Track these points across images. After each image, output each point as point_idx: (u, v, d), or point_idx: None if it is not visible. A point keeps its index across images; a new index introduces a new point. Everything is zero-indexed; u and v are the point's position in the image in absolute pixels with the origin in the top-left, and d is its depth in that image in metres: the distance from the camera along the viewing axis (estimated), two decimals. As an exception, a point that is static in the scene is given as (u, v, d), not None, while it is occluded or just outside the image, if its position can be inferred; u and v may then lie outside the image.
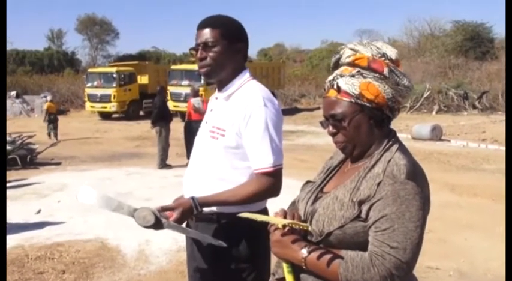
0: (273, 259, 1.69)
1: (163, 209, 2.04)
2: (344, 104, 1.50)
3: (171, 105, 16.73)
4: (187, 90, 17.03)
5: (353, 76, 1.50)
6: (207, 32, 2.08)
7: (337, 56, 1.59)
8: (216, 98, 2.24)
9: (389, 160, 1.46)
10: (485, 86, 28.36)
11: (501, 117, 20.18)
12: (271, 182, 2.05)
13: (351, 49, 1.55)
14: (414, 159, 1.49)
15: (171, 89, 22.67)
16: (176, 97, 22.15)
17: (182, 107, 18.55)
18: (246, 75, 2.17)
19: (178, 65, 26.59)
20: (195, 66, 16.96)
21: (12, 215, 6.66)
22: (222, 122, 2.12)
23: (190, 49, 2.17)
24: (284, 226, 1.51)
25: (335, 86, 1.52)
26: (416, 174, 1.43)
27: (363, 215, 1.41)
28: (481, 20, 41.89)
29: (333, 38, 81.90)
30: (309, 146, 14.09)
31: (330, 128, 1.55)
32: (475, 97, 26.44)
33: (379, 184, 1.41)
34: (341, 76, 1.52)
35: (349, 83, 1.49)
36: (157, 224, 1.99)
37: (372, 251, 1.38)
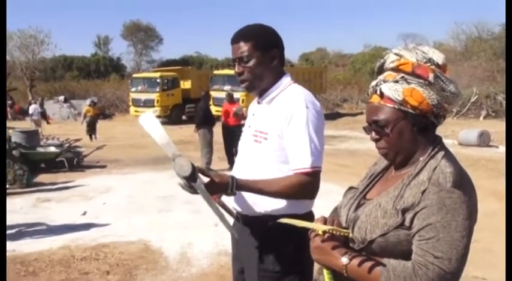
0: (316, 265, 1.68)
1: (201, 171, 2.00)
2: (387, 110, 1.48)
3: (213, 109, 16.91)
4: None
5: (397, 82, 1.47)
6: (240, 47, 2.10)
7: (382, 60, 1.56)
8: (258, 103, 2.25)
9: (435, 168, 1.42)
10: (536, 90, 27.38)
11: (553, 123, 19.41)
12: (308, 182, 2.02)
13: (396, 54, 1.52)
14: (461, 167, 1.45)
15: (213, 93, 22.89)
16: (218, 102, 22.31)
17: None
18: (287, 79, 2.18)
19: (220, 70, 26.81)
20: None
21: (59, 217, 6.88)
22: (264, 125, 2.13)
23: (229, 65, 2.20)
24: (324, 232, 1.49)
25: (378, 92, 1.50)
26: (463, 182, 1.39)
27: (407, 223, 1.38)
28: (531, 22, 40.58)
29: (376, 42, 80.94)
30: (351, 152, 13.92)
31: (373, 134, 1.53)
32: (525, 102, 25.57)
33: (423, 192, 1.37)
34: (384, 81, 1.50)
35: (393, 89, 1.47)
36: (191, 178, 1.93)
37: (415, 261, 1.34)
